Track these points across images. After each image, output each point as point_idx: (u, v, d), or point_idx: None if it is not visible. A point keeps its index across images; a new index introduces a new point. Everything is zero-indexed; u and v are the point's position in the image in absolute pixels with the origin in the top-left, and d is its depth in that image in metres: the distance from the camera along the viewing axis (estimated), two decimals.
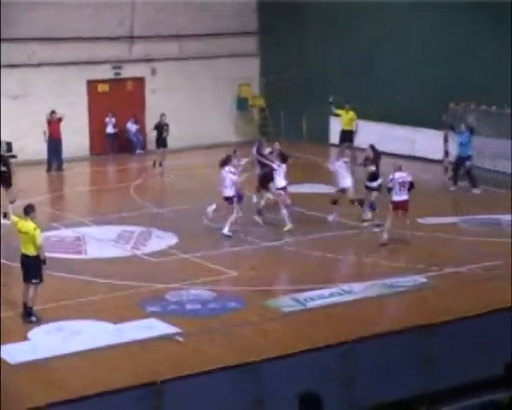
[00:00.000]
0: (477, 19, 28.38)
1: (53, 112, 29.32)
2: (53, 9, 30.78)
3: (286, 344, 13.97)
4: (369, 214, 22.02)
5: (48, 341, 15.13)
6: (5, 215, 22.10)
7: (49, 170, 29.46)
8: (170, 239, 21.12)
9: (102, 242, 21.03)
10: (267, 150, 22.96)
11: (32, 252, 15.88)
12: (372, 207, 22.09)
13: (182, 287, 17.65)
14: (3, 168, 22.82)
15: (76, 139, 31.15)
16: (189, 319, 16.07)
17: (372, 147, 22.34)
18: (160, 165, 29.38)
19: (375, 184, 21.98)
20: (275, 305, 16.75)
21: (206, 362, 12.85)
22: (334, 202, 22.37)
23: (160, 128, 29.44)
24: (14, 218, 16.67)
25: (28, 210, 16.22)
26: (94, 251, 20.30)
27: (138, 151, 33.23)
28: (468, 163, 25.90)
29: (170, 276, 18.40)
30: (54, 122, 29.38)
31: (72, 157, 30.43)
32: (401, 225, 20.48)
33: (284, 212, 21.61)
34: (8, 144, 28.31)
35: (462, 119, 26.76)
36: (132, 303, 16.84)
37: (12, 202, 21.31)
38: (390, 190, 20.38)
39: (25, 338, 15.09)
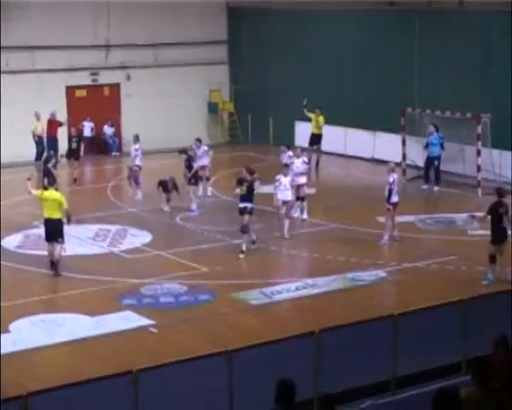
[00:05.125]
0: (430, 28, 28.53)
1: (53, 113, 28.94)
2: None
3: (255, 334, 13.99)
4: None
5: (29, 333, 15.06)
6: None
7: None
8: (144, 237, 21.05)
9: (81, 240, 20.88)
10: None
11: (57, 216, 17.73)
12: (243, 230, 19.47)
13: (156, 282, 17.63)
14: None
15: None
16: (163, 312, 16.08)
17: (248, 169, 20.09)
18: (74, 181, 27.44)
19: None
20: (243, 298, 16.76)
21: (180, 352, 12.84)
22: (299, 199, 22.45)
23: (70, 140, 28.19)
24: (36, 191, 18.35)
25: (52, 181, 18.49)
26: (72, 248, 20.10)
27: (114, 153, 33.04)
28: (436, 162, 25.89)
29: (144, 271, 18.35)
30: (54, 123, 28.91)
31: None
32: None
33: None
34: None
35: (417, 123, 26.87)
36: (109, 297, 16.81)
37: None
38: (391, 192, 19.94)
39: (6, 330, 14.97)
